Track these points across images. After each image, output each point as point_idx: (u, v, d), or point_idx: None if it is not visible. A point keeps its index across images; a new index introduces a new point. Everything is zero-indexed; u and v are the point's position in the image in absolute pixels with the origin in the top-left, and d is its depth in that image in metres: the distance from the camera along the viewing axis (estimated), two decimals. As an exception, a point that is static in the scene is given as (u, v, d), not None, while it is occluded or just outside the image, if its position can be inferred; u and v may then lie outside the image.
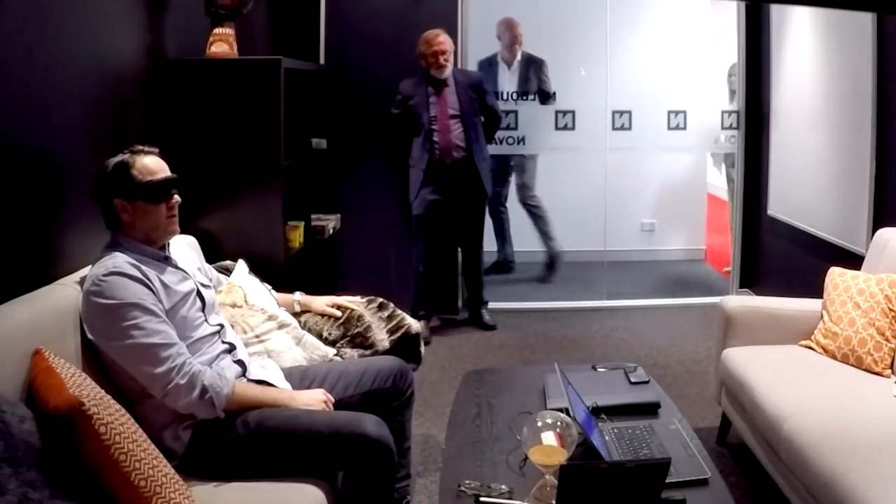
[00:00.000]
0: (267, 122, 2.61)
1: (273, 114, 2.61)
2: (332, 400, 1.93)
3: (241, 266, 2.38)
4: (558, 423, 1.62)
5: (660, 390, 2.16)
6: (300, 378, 2.03)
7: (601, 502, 1.40)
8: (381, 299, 2.45)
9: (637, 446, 1.78)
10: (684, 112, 4.47)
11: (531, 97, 4.58)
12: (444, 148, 3.82)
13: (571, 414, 1.73)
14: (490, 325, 4.13)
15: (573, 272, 5.10)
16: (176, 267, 1.88)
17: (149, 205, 1.79)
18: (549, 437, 1.60)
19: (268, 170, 2.64)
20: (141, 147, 1.84)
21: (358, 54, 4.07)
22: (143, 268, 1.74)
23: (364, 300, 2.44)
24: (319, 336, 2.29)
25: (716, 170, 5.55)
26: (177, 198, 1.86)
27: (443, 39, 3.77)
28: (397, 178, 4.08)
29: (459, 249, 4.25)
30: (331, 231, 3.53)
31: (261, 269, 2.43)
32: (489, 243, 4.67)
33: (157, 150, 1.87)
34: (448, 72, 3.80)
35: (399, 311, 2.45)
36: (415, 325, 2.45)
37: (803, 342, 2.55)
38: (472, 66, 4.44)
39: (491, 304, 4.25)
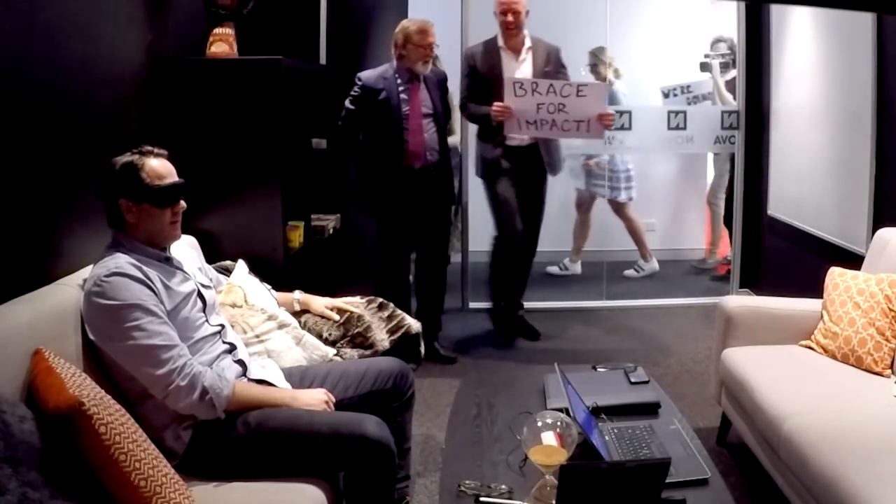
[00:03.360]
0: (267, 122, 2.61)
1: (273, 114, 2.61)
2: (334, 399, 1.93)
3: (240, 266, 2.38)
4: (558, 423, 1.62)
5: (660, 390, 2.16)
6: (300, 378, 2.03)
7: (601, 502, 1.40)
8: (381, 299, 2.45)
9: (637, 446, 1.79)
10: (684, 112, 4.47)
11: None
12: (414, 151, 3.40)
13: (571, 414, 1.73)
14: (449, 357, 3.65)
15: (573, 272, 5.13)
16: (177, 268, 1.88)
17: (155, 208, 1.79)
18: (549, 437, 1.60)
19: (268, 170, 2.64)
20: (150, 148, 1.83)
21: (358, 54, 4.07)
22: (145, 268, 1.74)
23: (364, 300, 2.44)
24: (319, 336, 2.29)
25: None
26: (182, 204, 1.86)
27: (435, 31, 3.41)
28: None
29: (416, 265, 3.76)
30: (331, 231, 3.52)
31: (261, 269, 2.43)
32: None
33: (166, 152, 1.85)
34: (430, 67, 3.45)
35: (399, 311, 2.45)
36: (415, 325, 2.45)
37: (803, 342, 2.55)
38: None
39: (489, 305, 4.22)
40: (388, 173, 3.42)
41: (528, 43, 3.65)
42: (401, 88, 3.40)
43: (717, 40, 4.83)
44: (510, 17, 3.56)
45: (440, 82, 3.56)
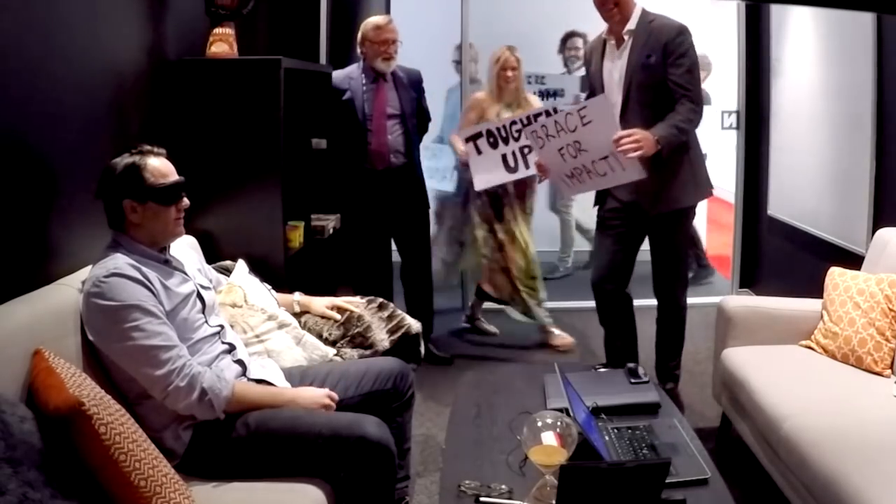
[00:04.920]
0: (267, 122, 2.60)
1: (273, 114, 2.60)
2: (337, 398, 1.93)
3: (240, 266, 2.38)
4: (558, 423, 1.62)
5: (660, 390, 2.16)
6: (300, 378, 2.03)
7: (601, 502, 1.40)
8: (381, 299, 2.45)
9: (637, 446, 1.79)
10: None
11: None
12: (377, 151, 3.35)
13: (571, 414, 1.73)
14: (444, 358, 3.64)
15: (573, 272, 5.12)
16: (176, 269, 1.88)
17: (160, 207, 1.80)
18: (549, 437, 1.60)
19: (268, 170, 2.63)
20: (149, 148, 1.84)
21: (358, 54, 4.06)
22: (144, 269, 1.74)
23: (364, 300, 2.44)
24: (319, 336, 2.29)
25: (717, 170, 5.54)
26: (186, 201, 1.87)
27: (394, 27, 3.31)
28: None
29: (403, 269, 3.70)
30: (331, 231, 3.52)
31: (261, 269, 2.43)
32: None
33: (164, 151, 1.87)
34: (394, 65, 3.36)
35: (399, 311, 2.45)
36: (415, 325, 2.45)
37: (803, 342, 2.55)
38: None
39: (492, 304, 4.21)
40: (351, 174, 3.39)
41: (630, 25, 2.69)
42: (365, 88, 3.35)
43: (571, 34, 4.66)
44: None
45: (413, 83, 3.46)
